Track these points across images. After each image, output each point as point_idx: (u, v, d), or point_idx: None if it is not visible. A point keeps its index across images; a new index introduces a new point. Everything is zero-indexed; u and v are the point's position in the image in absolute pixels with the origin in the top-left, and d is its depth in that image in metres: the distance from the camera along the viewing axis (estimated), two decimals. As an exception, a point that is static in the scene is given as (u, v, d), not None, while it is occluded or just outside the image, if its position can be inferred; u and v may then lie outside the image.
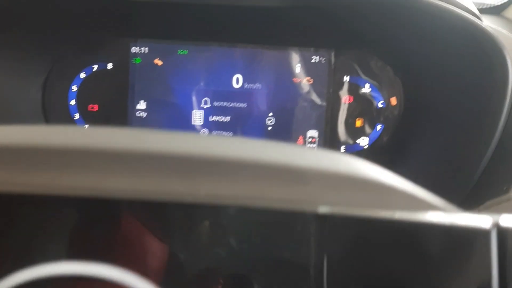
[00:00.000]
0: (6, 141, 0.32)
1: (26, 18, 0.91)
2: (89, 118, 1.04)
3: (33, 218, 0.32)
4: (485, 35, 0.77)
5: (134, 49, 1.03)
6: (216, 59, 1.03)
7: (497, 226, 0.32)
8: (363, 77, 1.03)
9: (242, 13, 0.92)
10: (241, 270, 0.33)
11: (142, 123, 1.03)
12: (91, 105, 1.04)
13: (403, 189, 0.35)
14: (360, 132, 1.04)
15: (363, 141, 1.04)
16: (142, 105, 1.03)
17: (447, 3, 0.80)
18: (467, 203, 0.77)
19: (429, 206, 0.34)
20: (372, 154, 1.03)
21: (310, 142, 1.04)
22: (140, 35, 1.03)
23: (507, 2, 1.17)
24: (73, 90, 1.03)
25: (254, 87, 1.03)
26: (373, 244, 0.34)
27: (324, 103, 1.03)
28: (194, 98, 1.03)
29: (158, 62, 1.03)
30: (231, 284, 0.33)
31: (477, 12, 0.82)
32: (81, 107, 1.04)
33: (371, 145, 1.03)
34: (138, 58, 1.03)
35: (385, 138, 1.03)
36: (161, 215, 0.33)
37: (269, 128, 1.03)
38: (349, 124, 1.04)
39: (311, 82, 1.03)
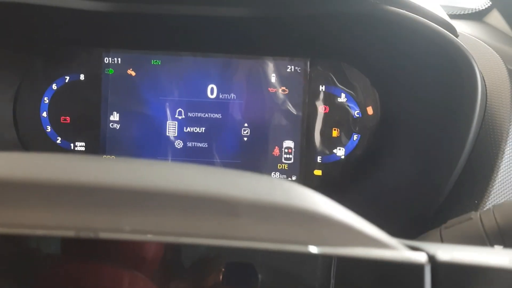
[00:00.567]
0: None
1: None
2: (61, 130, 1.03)
3: None
4: (455, 48, 0.76)
5: (107, 60, 1.02)
6: (190, 69, 1.02)
7: (432, 260, 0.32)
8: (339, 86, 1.02)
9: (216, 23, 0.91)
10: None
11: (115, 134, 1.02)
12: (63, 117, 1.03)
13: (346, 224, 0.34)
14: (337, 142, 1.03)
15: (340, 151, 1.02)
16: (115, 116, 1.02)
17: (419, 13, 0.79)
18: (437, 217, 0.76)
19: (369, 242, 0.33)
20: (348, 164, 1.02)
21: (286, 153, 1.03)
22: (113, 45, 1.01)
23: (488, 7, 1.17)
24: (45, 102, 1.02)
25: (229, 97, 1.02)
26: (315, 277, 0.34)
27: (300, 113, 1.02)
28: (168, 109, 1.02)
29: (131, 72, 1.02)
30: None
31: (450, 22, 0.81)
32: (53, 119, 1.03)
33: (348, 155, 1.02)
34: (110, 68, 1.02)
35: (361, 148, 1.02)
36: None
37: (245, 138, 1.02)
38: (326, 134, 1.03)
39: (286, 92, 1.02)
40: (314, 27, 0.92)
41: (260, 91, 1.02)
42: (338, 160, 1.03)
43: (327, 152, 1.03)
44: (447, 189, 0.77)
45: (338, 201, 0.36)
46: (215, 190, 0.33)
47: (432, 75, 0.84)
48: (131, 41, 1.01)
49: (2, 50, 0.95)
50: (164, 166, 0.38)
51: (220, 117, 1.02)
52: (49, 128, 1.02)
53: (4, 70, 0.98)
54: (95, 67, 1.02)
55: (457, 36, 0.81)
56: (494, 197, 0.72)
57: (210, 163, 1.02)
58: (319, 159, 1.03)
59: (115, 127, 1.02)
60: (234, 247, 0.32)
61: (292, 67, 1.02)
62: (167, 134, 1.02)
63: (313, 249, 0.32)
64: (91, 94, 1.02)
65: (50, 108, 1.02)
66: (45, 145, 1.02)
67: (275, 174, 1.03)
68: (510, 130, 0.75)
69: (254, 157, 1.03)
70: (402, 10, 0.79)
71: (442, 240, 0.55)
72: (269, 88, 1.02)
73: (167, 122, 1.02)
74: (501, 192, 0.72)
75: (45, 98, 1.02)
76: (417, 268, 0.31)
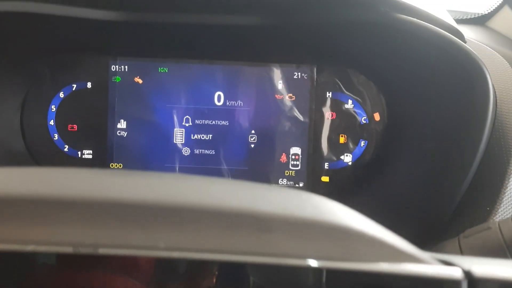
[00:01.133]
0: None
1: (1, 40, 0.89)
2: (69, 139, 1.02)
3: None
4: (466, 55, 0.76)
5: (114, 68, 1.02)
6: (197, 77, 1.02)
7: (468, 276, 0.32)
8: (346, 93, 1.02)
9: (222, 31, 0.91)
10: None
11: (122, 142, 1.02)
12: (70, 125, 1.02)
13: (379, 239, 0.34)
14: (344, 149, 1.03)
15: (347, 158, 1.03)
16: (122, 124, 1.02)
17: (428, 21, 0.79)
18: (448, 225, 0.76)
19: (402, 257, 0.33)
20: (355, 171, 1.02)
21: (294, 159, 1.03)
22: (120, 53, 1.01)
23: (491, 12, 1.17)
24: (52, 110, 1.02)
25: (236, 104, 1.02)
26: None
27: (307, 120, 1.02)
28: (175, 117, 1.02)
29: (138, 80, 1.02)
30: None
31: (458, 29, 0.81)
32: (60, 127, 1.02)
33: (355, 161, 1.03)
34: (118, 76, 1.01)
35: (369, 154, 1.02)
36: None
37: (252, 145, 1.02)
38: (333, 140, 1.03)
39: (293, 99, 1.02)
40: (321, 35, 0.92)
41: (267, 98, 1.02)
42: (345, 167, 1.03)
43: (334, 158, 1.03)
44: (458, 197, 0.77)
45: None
46: (240, 206, 0.33)
47: (441, 81, 0.84)
48: (138, 49, 1.01)
49: (9, 59, 0.95)
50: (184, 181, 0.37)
51: (227, 124, 1.02)
52: (56, 136, 1.02)
53: (11, 79, 0.98)
54: (102, 75, 1.02)
55: (465, 42, 0.81)
56: (506, 204, 0.72)
57: (218, 170, 1.02)
58: (326, 165, 1.03)
59: (122, 135, 1.02)
60: (263, 263, 0.32)
61: (299, 73, 1.02)
62: (175, 141, 1.02)
63: (344, 265, 0.32)
64: (98, 102, 1.02)
65: (57, 116, 1.02)
66: (52, 153, 1.02)
67: (282, 180, 1.03)
68: (521, 136, 0.75)
69: (261, 163, 1.03)
70: (411, 18, 0.79)
71: (461, 249, 0.55)
72: (276, 95, 1.02)
73: (174, 129, 1.02)
74: (513, 199, 0.72)
75: (52, 106, 1.02)
76: (453, 285, 0.31)
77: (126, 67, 1.02)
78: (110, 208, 0.32)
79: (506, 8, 1.09)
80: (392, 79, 0.97)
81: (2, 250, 0.31)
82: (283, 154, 1.03)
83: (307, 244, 0.32)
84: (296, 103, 1.02)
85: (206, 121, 1.02)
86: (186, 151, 1.02)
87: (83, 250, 0.31)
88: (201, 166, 1.02)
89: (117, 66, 1.02)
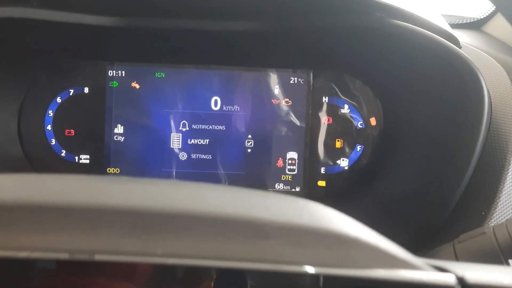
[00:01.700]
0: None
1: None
2: (66, 143, 1.03)
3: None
4: (460, 60, 0.76)
5: (111, 73, 1.02)
6: (193, 82, 1.02)
7: (462, 282, 0.32)
8: (342, 97, 1.03)
9: (219, 36, 0.91)
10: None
11: (119, 147, 1.02)
12: (67, 130, 1.03)
13: (373, 245, 0.34)
14: (340, 153, 1.03)
15: (343, 162, 1.03)
16: (119, 129, 1.02)
17: (423, 26, 0.80)
18: (443, 229, 0.77)
19: (396, 263, 0.33)
20: (352, 175, 1.03)
21: (290, 164, 1.03)
22: (117, 58, 1.02)
23: (487, 17, 1.17)
24: (49, 115, 1.02)
25: (233, 109, 1.02)
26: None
27: (304, 124, 1.03)
28: (172, 121, 1.02)
29: (135, 85, 1.02)
30: None
31: (453, 34, 0.82)
32: (57, 132, 1.03)
33: (351, 166, 1.03)
34: (115, 81, 1.02)
35: (365, 159, 1.03)
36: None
37: (249, 150, 1.03)
38: (329, 145, 1.03)
39: (290, 104, 1.02)
40: (317, 40, 0.92)
41: (264, 103, 1.03)
42: (342, 171, 1.04)
43: (331, 163, 1.03)
44: (453, 201, 0.77)
45: (342, 212, 0.36)
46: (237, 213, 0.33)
47: (436, 86, 0.85)
48: (135, 54, 1.01)
49: (6, 64, 0.95)
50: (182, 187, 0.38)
51: (224, 129, 1.03)
52: (53, 141, 1.02)
53: (8, 84, 0.98)
54: (99, 80, 1.02)
55: (460, 47, 0.81)
56: (501, 208, 0.72)
57: (214, 175, 1.03)
58: (322, 170, 1.03)
59: (119, 140, 1.02)
60: (259, 270, 0.33)
61: (295, 78, 1.02)
62: (171, 146, 1.03)
63: (338, 271, 0.32)
64: (96, 107, 1.02)
65: (55, 121, 1.02)
66: (50, 158, 1.02)
67: (279, 185, 1.03)
68: (516, 141, 0.76)
69: (258, 168, 1.03)
70: (406, 24, 0.80)
71: (456, 255, 0.56)
72: (272, 100, 1.02)
73: (171, 134, 1.02)
74: (508, 203, 0.72)
75: (50, 111, 1.02)
76: (447, 290, 0.31)
77: (123, 72, 1.02)
78: (106, 214, 0.32)
79: (500, 14, 1.09)
80: (388, 84, 0.97)
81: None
82: (280, 158, 1.03)
83: (301, 250, 0.32)
84: (292, 108, 1.03)
85: (203, 126, 1.03)
86: (183, 156, 1.02)
87: (79, 257, 0.31)
88: (198, 170, 1.02)
89: (114, 71, 1.02)
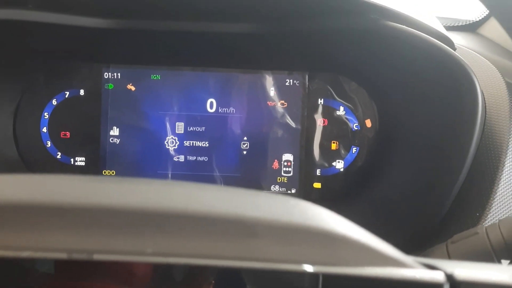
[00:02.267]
0: None
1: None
2: (61, 146, 1.03)
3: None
4: (455, 62, 0.77)
5: (107, 75, 1.02)
6: (189, 84, 1.02)
7: (450, 279, 0.32)
8: (338, 99, 1.03)
9: (214, 39, 0.91)
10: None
11: (115, 149, 1.02)
12: (63, 132, 1.03)
13: (362, 243, 0.34)
14: (336, 155, 1.03)
15: (339, 164, 1.03)
16: (115, 131, 1.02)
17: (418, 28, 0.80)
18: (438, 230, 0.77)
19: (386, 261, 0.33)
20: (347, 177, 1.03)
21: (286, 166, 1.03)
22: (112, 60, 1.02)
23: (482, 19, 1.18)
24: (45, 117, 1.02)
25: (228, 111, 1.02)
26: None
27: (299, 126, 1.03)
28: (168, 123, 1.02)
29: (131, 87, 1.02)
30: None
31: (448, 36, 0.82)
32: (53, 135, 1.03)
33: (347, 168, 1.03)
34: (110, 83, 1.02)
35: (360, 160, 1.03)
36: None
37: (244, 152, 1.03)
38: (325, 147, 1.03)
39: (285, 106, 1.03)
40: (313, 42, 0.92)
41: (259, 105, 1.03)
42: (337, 173, 1.04)
43: (326, 165, 1.03)
44: (448, 202, 0.77)
45: (337, 214, 0.36)
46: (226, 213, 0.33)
47: (431, 88, 0.85)
48: (130, 56, 1.01)
49: (2, 66, 0.95)
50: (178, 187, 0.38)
51: (220, 131, 1.03)
52: (49, 144, 1.02)
53: (4, 86, 0.98)
54: (95, 82, 1.02)
55: (454, 49, 0.81)
56: (495, 209, 0.72)
57: (210, 177, 1.03)
58: (318, 172, 1.03)
59: (115, 142, 1.02)
60: (251, 268, 0.33)
61: (291, 80, 1.03)
62: (167, 148, 1.03)
63: (328, 269, 0.32)
64: (91, 109, 1.02)
65: (50, 124, 1.02)
66: (45, 160, 1.02)
67: (274, 187, 1.03)
68: (510, 143, 0.76)
69: (253, 170, 1.03)
70: (401, 25, 0.80)
71: (449, 255, 0.56)
72: (268, 102, 1.03)
73: (167, 136, 1.02)
74: (502, 204, 0.73)
75: (45, 114, 1.02)
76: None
77: (119, 74, 1.02)
78: (102, 214, 0.32)
79: (494, 17, 1.10)
80: (383, 86, 0.97)
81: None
82: (275, 160, 1.03)
83: (291, 248, 0.32)
84: (288, 110, 1.03)
85: (199, 128, 1.03)
86: (178, 158, 1.03)
87: (77, 256, 0.31)
88: (193, 173, 1.02)
89: (110, 73, 1.02)
